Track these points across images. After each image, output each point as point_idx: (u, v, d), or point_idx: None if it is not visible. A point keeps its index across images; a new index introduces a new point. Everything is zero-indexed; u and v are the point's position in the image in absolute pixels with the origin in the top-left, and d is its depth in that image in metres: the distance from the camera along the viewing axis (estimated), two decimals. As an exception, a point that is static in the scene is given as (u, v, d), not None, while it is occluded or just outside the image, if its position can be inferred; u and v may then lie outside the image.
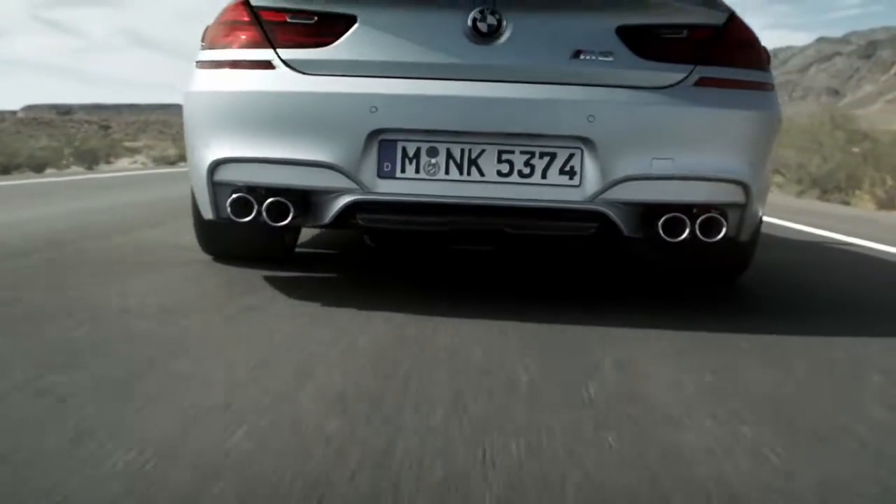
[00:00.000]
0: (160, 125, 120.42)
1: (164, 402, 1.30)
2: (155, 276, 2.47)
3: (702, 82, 1.96)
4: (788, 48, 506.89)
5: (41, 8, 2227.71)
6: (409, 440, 1.14)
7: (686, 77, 1.95)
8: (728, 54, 1.98)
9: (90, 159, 11.33)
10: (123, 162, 15.32)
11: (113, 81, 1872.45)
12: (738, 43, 2.02)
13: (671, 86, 1.95)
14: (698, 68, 1.96)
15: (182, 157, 16.64)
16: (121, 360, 1.55)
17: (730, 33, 1.99)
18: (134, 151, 23.90)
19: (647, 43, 1.94)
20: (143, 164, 14.37)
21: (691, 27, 1.97)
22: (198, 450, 1.09)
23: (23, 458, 1.05)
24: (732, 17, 2.00)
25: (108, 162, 15.11)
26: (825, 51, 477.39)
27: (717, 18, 2.00)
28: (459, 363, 1.58)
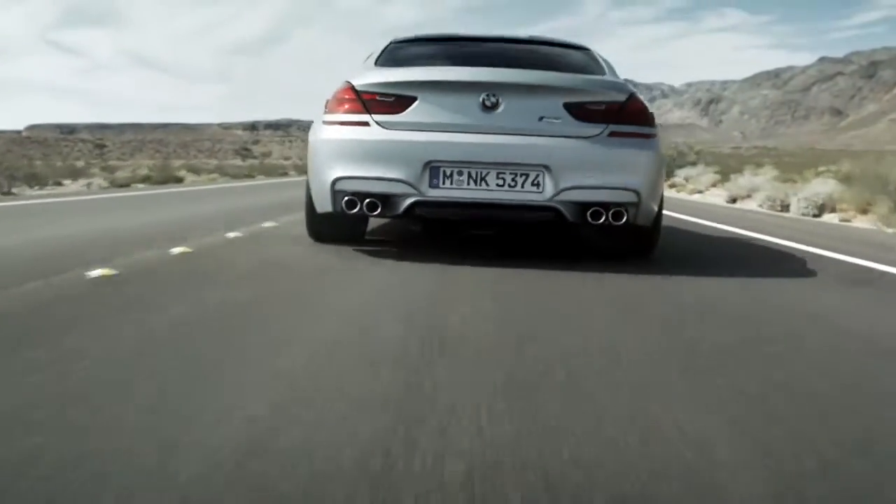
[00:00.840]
0: (156, 144, 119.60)
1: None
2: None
3: (612, 134, 3.19)
4: (790, 68, 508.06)
5: (49, 30, 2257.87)
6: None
7: (602, 131, 3.19)
8: (627, 118, 3.22)
9: (8, 181, 9.58)
10: (79, 184, 13.61)
11: (116, 101, 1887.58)
12: (634, 111, 3.25)
13: (594, 136, 3.18)
14: (610, 126, 3.19)
15: (141, 179, 14.83)
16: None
17: (630, 106, 3.24)
18: (111, 170, 22.40)
19: (581, 112, 3.19)
20: (89, 186, 12.64)
21: (607, 102, 3.22)
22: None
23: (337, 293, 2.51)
24: (632, 96, 3.28)
25: (58, 184, 13.43)
26: (827, 70, 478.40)
27: (622, 97, 3.26)
28: (477, 285, 2.81)
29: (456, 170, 3.10)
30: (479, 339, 1.90)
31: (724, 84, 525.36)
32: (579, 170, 3.11)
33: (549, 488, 1.03)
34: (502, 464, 1.10)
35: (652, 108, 3.37)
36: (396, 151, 3.10)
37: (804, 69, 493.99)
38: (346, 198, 3.16)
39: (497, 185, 3.11)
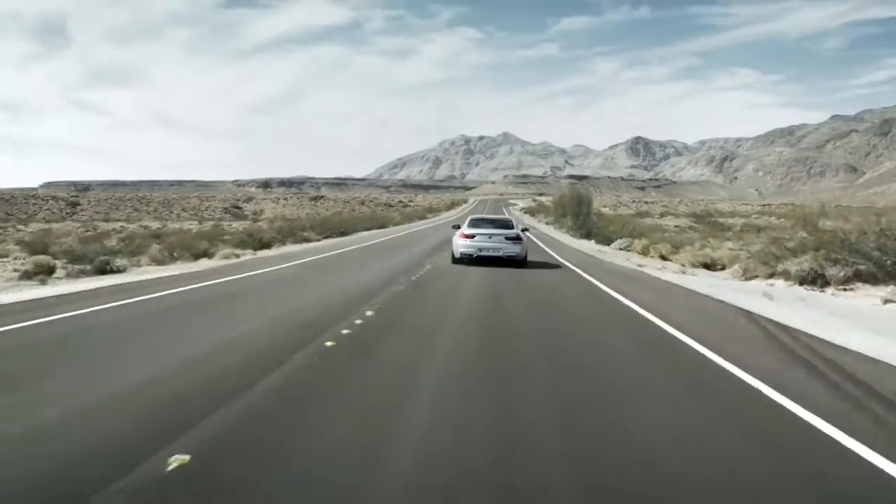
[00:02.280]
0: (136, 202, 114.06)
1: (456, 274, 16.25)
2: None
3: (514, 243, 18.61)
4: (803, 125, 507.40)
5: (73, 90, 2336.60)
6: (496, 275, 15.55)
7: (514, 242, 18.56)
8: (516, 239, 18.67)
9: None
10: None
11: (135, 159, 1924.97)
12: (518, 237, 18.83)
13: (510, 243, 18.47)
14: (513, 241, 18.68)
15: None
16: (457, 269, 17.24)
17: (518, 235, 18.88)
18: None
19: (508, 238, 18.72)
20: None
21: (513, 236, 18.77)
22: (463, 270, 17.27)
23: (452, 272, 16.49)
24: (518, 234, 18.94)
25: None
26: (840, 128, 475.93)
27: (516, 234, 19.13)
28: (496, 274, 15.67)
29: (484, 249, 17.41)
30: (491, 277, 14.52)
31: (738, 141, 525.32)
32: (506, 250, 17.44)
33: (497, 279, 14.69)
34: (494, 277, 15.01)
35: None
36: (472, 246, 17.57)
37: (817, 127, 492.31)
38: (464, 255, 17.55)
39: (492, 253, 17.31)
